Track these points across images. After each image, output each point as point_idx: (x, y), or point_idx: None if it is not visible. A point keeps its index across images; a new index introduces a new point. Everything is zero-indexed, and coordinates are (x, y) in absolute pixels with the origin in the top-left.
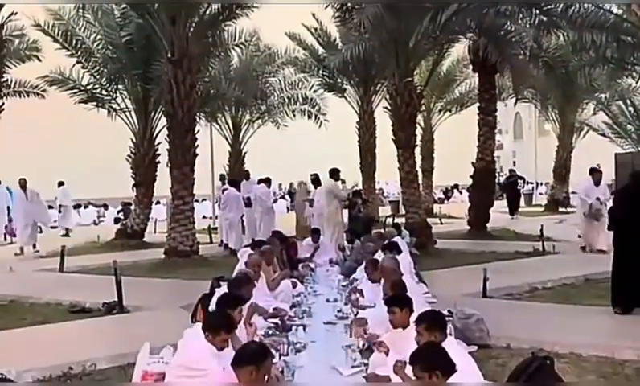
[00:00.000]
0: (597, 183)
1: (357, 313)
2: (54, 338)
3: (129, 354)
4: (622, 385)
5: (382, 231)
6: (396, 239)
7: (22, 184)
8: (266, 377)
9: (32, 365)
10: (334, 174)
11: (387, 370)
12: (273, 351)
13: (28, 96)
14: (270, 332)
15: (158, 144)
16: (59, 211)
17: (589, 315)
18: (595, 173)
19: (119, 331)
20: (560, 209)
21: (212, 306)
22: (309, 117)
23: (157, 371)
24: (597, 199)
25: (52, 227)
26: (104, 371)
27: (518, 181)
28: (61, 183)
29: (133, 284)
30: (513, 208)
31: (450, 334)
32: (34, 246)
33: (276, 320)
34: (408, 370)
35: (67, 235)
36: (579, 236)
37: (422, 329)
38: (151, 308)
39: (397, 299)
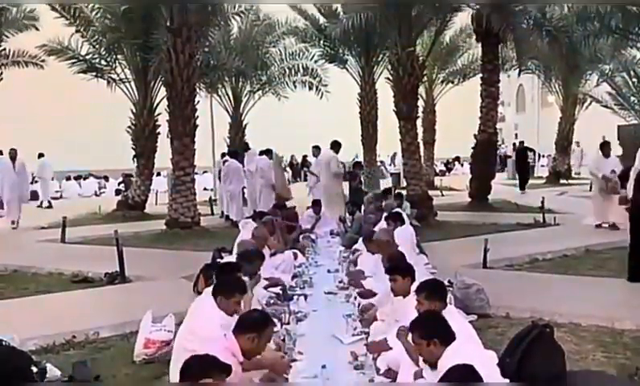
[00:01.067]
0: (607, 156)
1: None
2: (56, 307)
3: (131, 322)
4: (621, 354)
5: (381, 203)
6: (397, 211)
7: (13, 155)
8: (266, 344)
9: (35, 333)
10: (335, 146)
11: (388, 338)
12: (275, 319)
13: (27, 66)
14: (272, 301)
15: (158, 115)
16: (34, 183)
17: (589, 286)
18: (605, 146)
19: (121, 300)
20: (562, 181)
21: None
22: (310, 88)
23: (159, 339)
24: (613, 171)
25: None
26: (107, 339)
27: (529, 154)
28: (41, 155)
29: (135, 254)
30: (523, 182)
31: (450, 304)
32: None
33: (278, 289)
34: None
35: (50, 207)
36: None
37: (422, 298)
38: (153, 278)
39: (398, 267)
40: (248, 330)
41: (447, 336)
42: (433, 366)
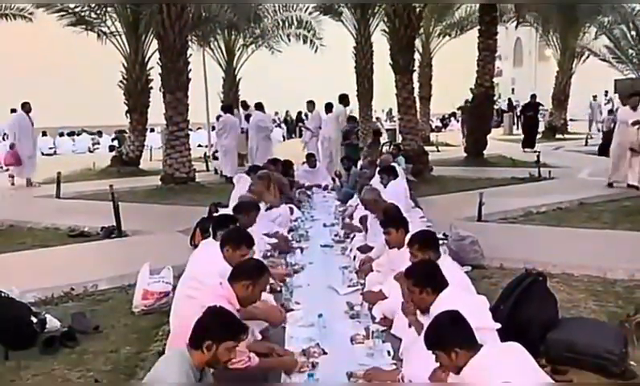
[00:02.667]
0: (635, 109)
1: (353, 236)
2: (54, 261)
3: (129, 275)
4: (612, 302)
5: (375, 159)
6: (391, 165)
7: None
8: (262, 293)
9: (33, 286)
10: (344, 99)
11: (383, 288)
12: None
13: (15, 18)
14: (269, 254)
15: (151, 69)
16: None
17: (582, 237)
18: (633, 97)
19: (118, 254)
20: (558, 136)
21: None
22: (305, 42)
23: (158, 291)
24: None
25: None
26: (105, 291)
27: (540, 109)
28: (13, 110)
29: (131, 209)
30: (530, 140)
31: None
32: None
33: (274, 240)
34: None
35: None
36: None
37: (415, 249)
38: (149, 232)
39: (392, 220)
40: (244, 277)
41: (439, 284)
42: (426, 312)
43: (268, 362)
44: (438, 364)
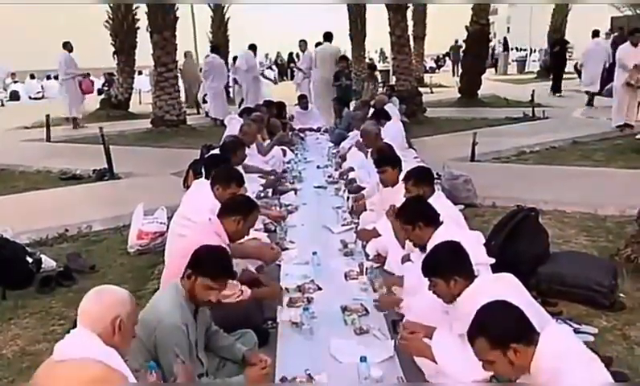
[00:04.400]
0: (636, 45)
1: (346, 177)
2: (47, 203)
3: (123, 216)
4: (603, 238)
5: (370, 98)
6: (384, 108)
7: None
8: (250, 229)
9: (27, 228)
10: (330, 37)
11: (376, 226)
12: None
13: None
14: (262, 195)
15: (137, 8)
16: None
17: (574, 175)
18: (634, 34)
19: (111, 196)
20: (550, 76)
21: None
22: None
23: (152, 231)
24: None
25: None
26: (99, 232)
27: (568, 48)
28: None
29: (122, 152)
30: (558, 83)
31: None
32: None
33: (268, 177)
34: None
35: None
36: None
37: (410, 185)
38: (142, 174)
39: (386, 158)
40: (233, 212)
41: (431, 218)
42: (422, 249)
43: (260, 292)
44: (432, 292)
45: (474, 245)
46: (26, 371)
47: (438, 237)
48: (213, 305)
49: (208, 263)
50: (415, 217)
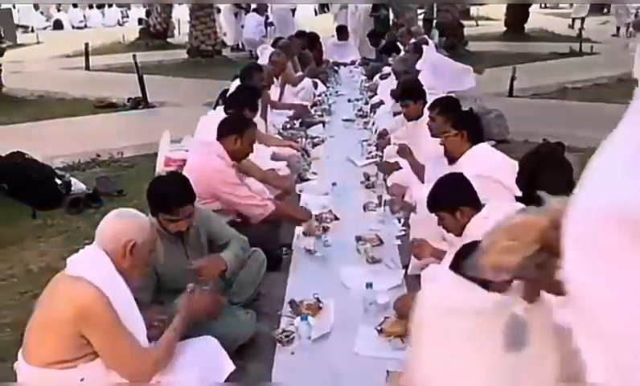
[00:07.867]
0: None
1: (375, 110)
2: (82, 129)
3: (154, 144)
4: None
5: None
6: (422, 38)
7: None
8: (251, 146)
9: (62, 152)
10: None
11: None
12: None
13: None
14: (288, 126)
15: None
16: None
17: (616, 113)
18: None
19: (144, 124)
20: (605, 10)
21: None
22: None
23: (179, 158)
24: None
25: None
26: (130, 158)
27: None
28: None
29: (158, 82)
30: None
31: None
32: None
33: (293, 112)
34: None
35: None
36: None
37: (435, 114)
38: (175, 104)
39: (410, 91)
40: (229, 132)
41: (463, 121)
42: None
43: (292, 208)
44: (442, 228)
45: (511, 172)
46: None
47: (475, 151)
48: (185, 233)
49: (157, 200)
50: (450, 115)
